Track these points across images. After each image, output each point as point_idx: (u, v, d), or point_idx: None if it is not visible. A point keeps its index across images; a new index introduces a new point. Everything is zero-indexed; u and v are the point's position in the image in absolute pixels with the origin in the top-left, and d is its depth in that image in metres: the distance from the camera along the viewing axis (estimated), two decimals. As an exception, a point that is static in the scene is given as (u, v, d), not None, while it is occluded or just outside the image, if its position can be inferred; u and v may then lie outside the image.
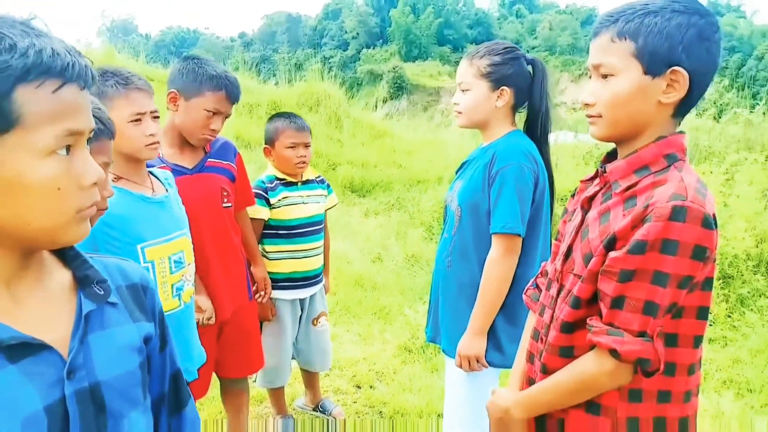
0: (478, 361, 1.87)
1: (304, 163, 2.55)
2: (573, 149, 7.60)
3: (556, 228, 1.65)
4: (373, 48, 67.17)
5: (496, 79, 1.88)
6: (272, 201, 2.51)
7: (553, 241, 1.40)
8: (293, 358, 2.82)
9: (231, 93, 2.02)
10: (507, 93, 1.88)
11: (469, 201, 1.90)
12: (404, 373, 3.26)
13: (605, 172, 1.20)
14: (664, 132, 1.14)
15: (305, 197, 2.59)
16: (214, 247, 2.04)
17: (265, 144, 2.61)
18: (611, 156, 1.24)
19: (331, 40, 73.49)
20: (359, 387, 3.19)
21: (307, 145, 2.56)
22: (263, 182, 2.55)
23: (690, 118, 7.12)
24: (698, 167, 5.86)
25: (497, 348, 1.88)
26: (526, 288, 1.49)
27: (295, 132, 2.52)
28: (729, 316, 3.98)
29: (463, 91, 1.94)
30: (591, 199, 1.25)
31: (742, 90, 9.48)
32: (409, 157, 10.12)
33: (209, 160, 2.11)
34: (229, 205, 2.14)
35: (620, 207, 1.13)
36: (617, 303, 1.08)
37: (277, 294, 2.57)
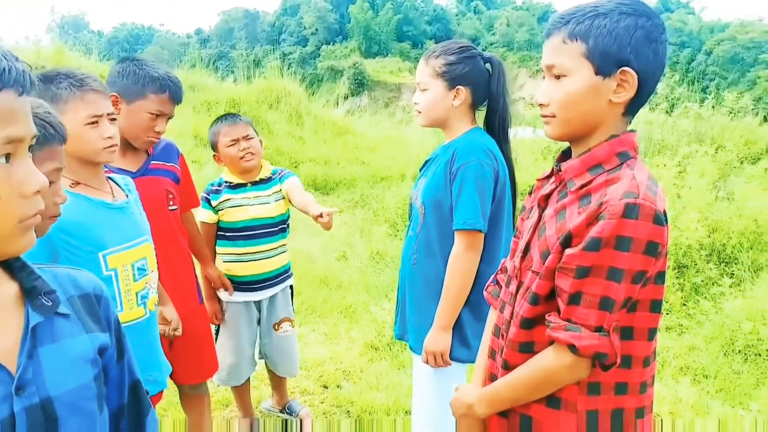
0: (443, 356, 1.88)
1: (251, 155, 2.48)
2: (531, 144, 7.72)
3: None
4: (333, 44, 66.85)
5: (452, 78, 1.90)
6: (213, 203, 2.50)
7: (512, 238, 1.42)
8: (261, 358, 2.78)
9: (174, 94, 2.01)
10: (463, 92, 1.91)
11: (432, 198, 1.91)
12: (371, 372, 3.26)
13: (560, 170, 1.22)
14: (616, 130, 1.16)
15: (251, 198, 2.52)
16: (161, 251, 1.95)
17: (213, 151, 2.60)
18: (566, 154, 1.27)
19: (290, 36, 72.83)
20: (326, 387, 3.18)
21: (247, 138, 2.49)
22: (210, 185, 2.56)
23: (644, 112, 7.31)
24: (652, 160, 6.02)
25: (463, 343, 1.90)
26: (486, 284, 1.50)
27: (229, 128, 2.48)
28: (684, 305, 4.10)
29: (422, 90, 1.96)
30: (548, 197, 1.26)
31: (692, 84, 9.80)
32: (371, 154, 10.11)
33: (153, 162, 2.08)
34: (175, 207, 2.12)
35: (575, 205, 1.15)
36: (574, 299, 1.10)
37: (227, 296, 2.56)
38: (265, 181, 2.58)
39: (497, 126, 1.97)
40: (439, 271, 1.90)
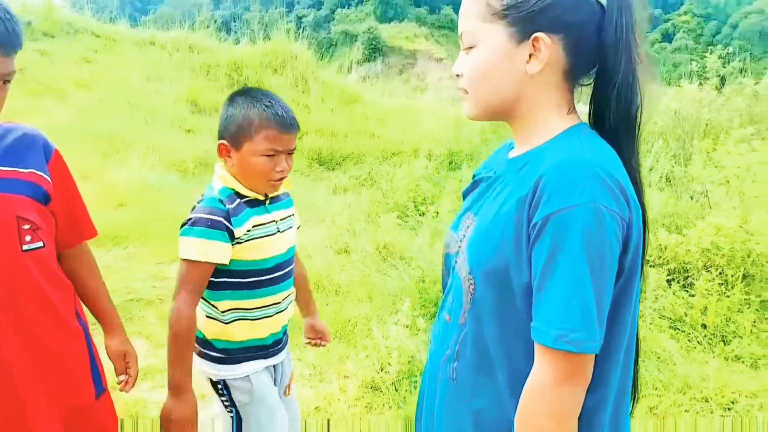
0: None
1: (282, 180, 1.61)
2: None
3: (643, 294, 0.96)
4: (348, 8, 65.16)
5: (524, 18, 0.94)
6: (238, 233, 1.54)
7: None
8: None
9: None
10: (548, 45, 0.95)
11: (491, 267, 0.97)
12: (368, 427, 2.50)
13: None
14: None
15: (279, 222, 1.66)
16: (10, 322, 1.21)
17: (223, 138, 1.60)
18: None
19: (305, -2, 71.11)
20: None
21: (291, 152, 1.62)
22: (219, 201, 1.54)
23: (691, 89, 6.48)
24: (701, 143, 5.25)
25: None
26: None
27: (280, 132, 1.54)
28: (754, 327, 3.38)
29: (466, 49, 1.01)
30: None
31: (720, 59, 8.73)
32: (382, 126, 9.34)
33: None
34: (39, 245, 1.26)
35: None
36: None
37: (245, 368, 1.65)
38: (282, 198, 1.72)
39: (616, 120, 0.99)
40: (502, 403, 0.99)
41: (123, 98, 7.71)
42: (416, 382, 2.73)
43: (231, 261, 1.52)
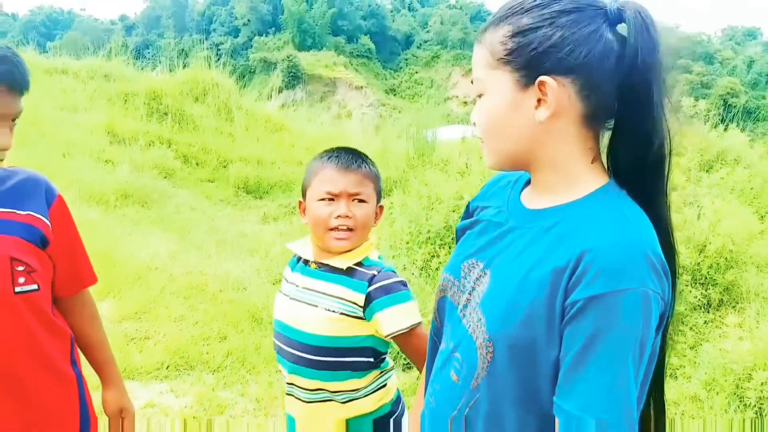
0: None
1: (347, 232, 1.41)
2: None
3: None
4: (266, 36, 64.99)
5: (528, 61, 0.88)
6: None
7: None
8: None
9: (7, 78, 1.16)
10: (555, 89, 0.87)
11: (516, 340, 0.89)
12: None
13: None
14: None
15: (303, 290, 1.48)
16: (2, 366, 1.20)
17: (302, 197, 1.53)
18: None
19: (221, 26, 70.27)
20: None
21: (356, 198, 1.42)
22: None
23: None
24: None
25: None
26: None
27: (337, 172, 1.41)
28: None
29: (479, 97, 0.96)
30: None
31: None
32: (309, 153, 9.32)
33: None
34: (33, 287, 1.24)
35: None
36: None
37: None
38: (346, 272, 1.43)
39: (642, 167, 0.90)
40: None
41: (36, 129, 7.33)
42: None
43: None
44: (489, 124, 0.93)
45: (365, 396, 1.45)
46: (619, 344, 0.81)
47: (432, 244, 4.56)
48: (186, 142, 8.45)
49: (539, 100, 0.88)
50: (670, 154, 0.90)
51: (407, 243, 4.53)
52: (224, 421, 2.71)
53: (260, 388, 2.91)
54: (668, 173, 0.91)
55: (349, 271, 1.42)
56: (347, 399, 1.44)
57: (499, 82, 0.90)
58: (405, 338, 1.40)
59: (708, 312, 3.87)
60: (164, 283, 4.22)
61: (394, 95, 58.27)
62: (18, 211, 1.25)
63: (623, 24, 0.88)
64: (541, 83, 0.87)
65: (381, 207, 1.50)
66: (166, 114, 8.88)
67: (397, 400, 1.54)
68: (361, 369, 1.44)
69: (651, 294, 0.81)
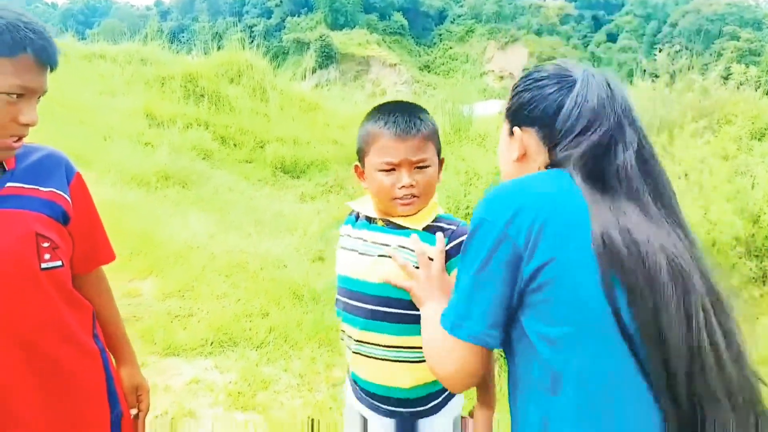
0: None
1: (411, 198, 1.35)
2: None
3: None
4: (298, 16, 64.88)
5: (510, 116, 1.20)
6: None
7: None
8: None
9: (42, 53, 1.11)
10: (520, 137, 1.15)
11: None
12: None
13: None
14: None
15: (367, 243, 1.42)
16: (22, 344, 1.16)
17: (358, 161, 1.46)
18: None
19: (254, 8, 70.44)
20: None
21: (420, 165, 1.35)
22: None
23: (645, 86, 6.69)
24: (657, 138, 5.42)
25: None
26: None
27: (395, 141, 1.33)
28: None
29: None
30: None
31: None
32: (344, 132, 9.32)
33: (9, 185, 1.19)
34: (58, 264, 1.21)
35: None
36: None
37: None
38: (402, 228, 1.39)
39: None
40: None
41: (77, 114, 7.48)
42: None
43: None
44: (499, 158, 1.24)
45: None
46: None
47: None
48: (223, 124, 8.50)
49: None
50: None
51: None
52: (269, 395, 2.73)
53: (303, 364, 2.91)
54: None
55: (427, 228, 1.37)
56: (419, 359, 1.35)
57: (503, 129, 1.22)
58: None
59: (764, 285, 3.71)
60: (205, 262, 4.27)
61: (429, 72, 57.59)
62: (41, 188, 1.23)
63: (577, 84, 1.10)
64: (511, 132, 1.17)
65: (442, 160, 1.42)
66: (202, 96, 8.95)
67: None
68: None
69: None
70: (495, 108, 7.64)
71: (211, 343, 3.23)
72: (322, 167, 7.80)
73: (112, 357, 1.39)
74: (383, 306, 1.35)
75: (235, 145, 8.31)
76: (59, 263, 1.21)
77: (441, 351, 1.06)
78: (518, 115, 1.14)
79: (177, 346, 3.17)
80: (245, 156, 8.09)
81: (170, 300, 3.74)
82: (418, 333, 1.21)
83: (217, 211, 5.75)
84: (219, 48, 10.89)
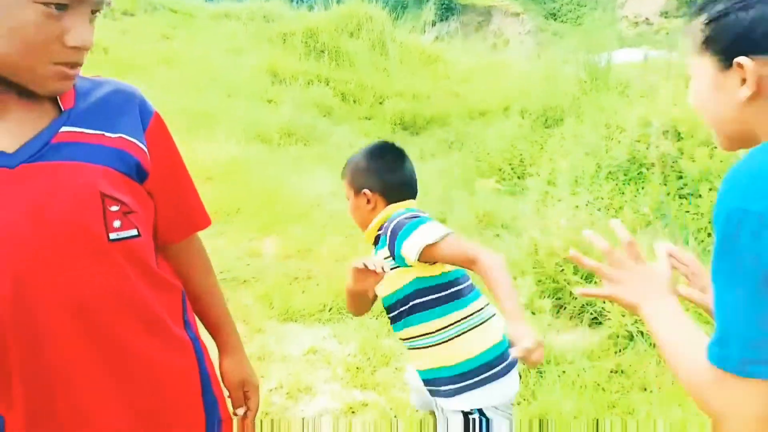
0: None
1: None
2: (667, 68, 6.12)
3: None
4: (418, -33, 63.67)
5: (725, 46, 0.90)
6: None
7: None
8: None
9: None
10: (751, 68, 0.86)
11: None
12: None
13: None
14: None
15: None
16: (91, 336, 0.90)
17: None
18: None
19: (373, -39, 70.21)
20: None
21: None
22: None
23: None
24: None
25: None
26: None
27: None
28: None
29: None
30: None
31: None
32: (466, 85, 8.87)
33: (65, 129, 0.89)
34: (132, 233, 0.93)
35: None
36: None
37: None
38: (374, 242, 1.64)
39: None
40: None
41: (204, 73, 7.67)
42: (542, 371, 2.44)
43: None
44: (699, 106, 0.97)
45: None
46: None
47: (614, 180, 3.98)
48: (343, 80, 8.39)
49: (744, 80, 0.88)
50: None
51: (585, 179, 3.99)
52: (390, 372, 2.53)
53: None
54: None
55: (376, 240, 1.59)
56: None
57: (704, 67, 0.94)
58: (433, 252, 1.41)
59: None
60: (326, 220, 4.15)
61: (555, 20, 54.33)
62: (108, 134, 0.92)
63: None
64: (739, 65, 0.87)
65: (363, 193, 1.61)
66: (322, 52, 8.87)
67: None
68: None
69: None
70: (638, 56, 6.79)
71: (330, 309, 3.09)
72: (443, 123, 7.46)
73: (207, 349, 1.10)
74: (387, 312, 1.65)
75: (354, 101, 8.18)
76: (134, 232, 0.93)
77: (721, 393, 0.77)
78: (740, 41, 0.86)
79: (295, 311, 3.07)
80: (365, 112, 7.95)
81: (290, 261, 3.66)
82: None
83: (339, 169, 5.63)
84: (339, 2, 10.74)
